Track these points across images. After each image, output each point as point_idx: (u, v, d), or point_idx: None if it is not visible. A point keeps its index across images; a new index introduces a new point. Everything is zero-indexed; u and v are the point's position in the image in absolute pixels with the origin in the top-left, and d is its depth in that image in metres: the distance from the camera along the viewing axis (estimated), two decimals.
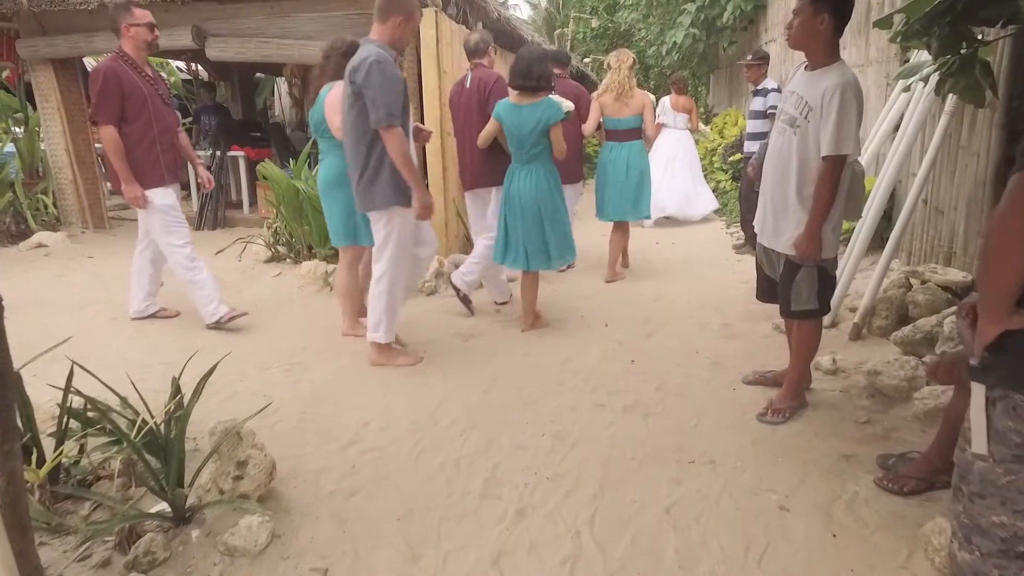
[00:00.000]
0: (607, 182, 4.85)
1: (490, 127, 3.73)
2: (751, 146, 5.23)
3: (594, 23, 15.64)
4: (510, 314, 4.12)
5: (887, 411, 2.71)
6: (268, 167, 4.75)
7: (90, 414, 2.22)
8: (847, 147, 2.26)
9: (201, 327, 3.81)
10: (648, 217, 5.15)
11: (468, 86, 4.02)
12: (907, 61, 3.88)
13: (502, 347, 3.57)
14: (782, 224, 2.50)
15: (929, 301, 3.21)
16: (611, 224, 5.02)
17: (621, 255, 4.99)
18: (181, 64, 9.33)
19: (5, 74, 6.89)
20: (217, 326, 3.76)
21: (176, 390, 2.35)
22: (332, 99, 3.34)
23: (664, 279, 4.94)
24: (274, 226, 5.19)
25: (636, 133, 4.81)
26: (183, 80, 9.25)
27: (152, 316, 3.99)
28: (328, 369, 3.29)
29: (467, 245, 5.32)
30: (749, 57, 5.18)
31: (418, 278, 4.18)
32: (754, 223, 2.73)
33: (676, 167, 7.11)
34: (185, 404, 2.35)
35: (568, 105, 3.62)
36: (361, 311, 3.66)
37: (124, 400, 2.27)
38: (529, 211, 3.60)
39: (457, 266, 4.77)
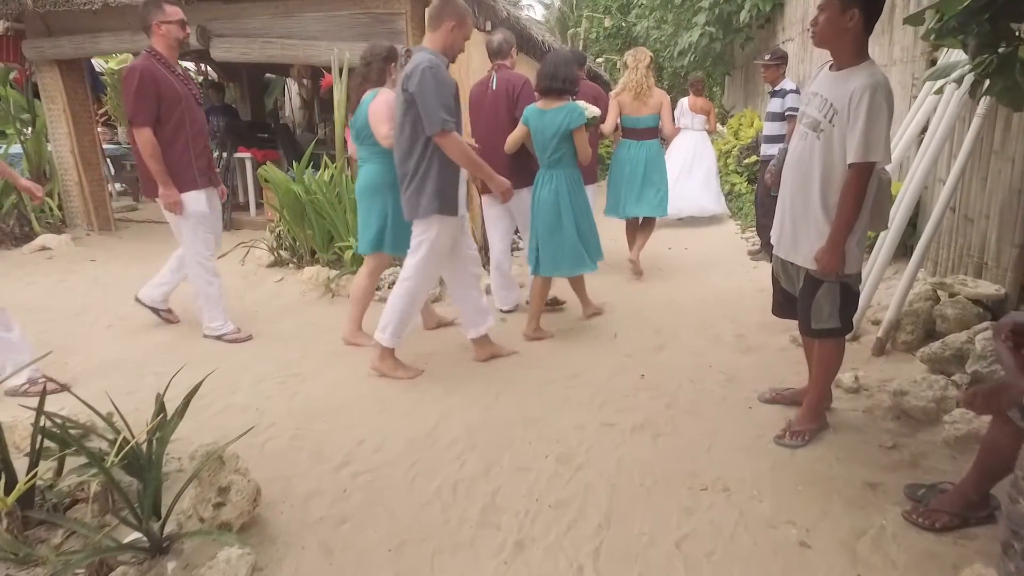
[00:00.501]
0: (624, 180, 4.89)
1: (518, 132, 3.68)
2: (768, 149, 5.06)
3: (607, 23, 15.44)
4: (516, 324, 3.97)
5: (914, 435, 2.53)
6: (269, 170, 4.65)
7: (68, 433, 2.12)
8: (876, 154, 2.09)
9: (199, 336, 3.71)
10: (665, 214, 5.18)
11: (494, 88, 3.88)
12: (935, 61, 3.69)
13: (507, 360, 3.42)
14: (802, 236, 2.32)
15: (959, 315, 3.02)
16: (622, 225, 5.09)
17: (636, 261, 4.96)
18: (190, 65, 9.28)
19: (13, 75, 6.86)
20: (219, 339, 3.67)
21: (160, 407, 2.24)
22: (377, 106, 3.26)
23: (676, 287, 4.78)
24: (277, 230, 5.09)
25: (654, 132, 4.90)
26: None
27: (158, 314, 3.87)
28: (325, 381, 3.17)
29: None
30: (767, 57, 5.00)
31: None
32: (771, 233, 2.56)
33: (693, 168, 7.08)
34: (169, 421, 2.25)
35: (594, 111, 3.59)
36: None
37: (105, 418, 2.16)
38: (547, 216, 3.56)
39: None
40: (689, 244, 6.19)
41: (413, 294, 3.07)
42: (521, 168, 3.76)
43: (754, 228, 6.31)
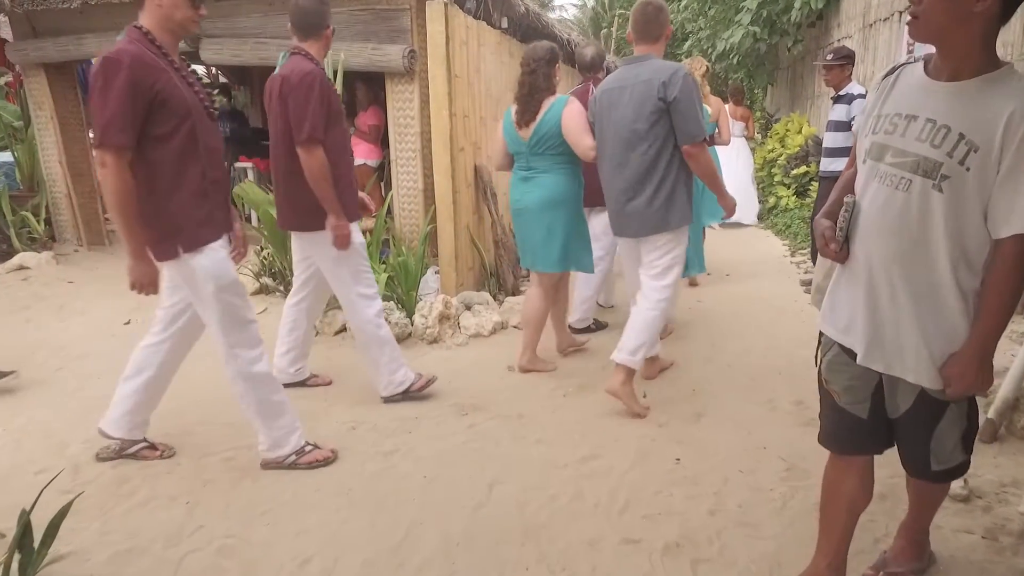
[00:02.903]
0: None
1: None
2: (830, 164, 4.33)
3: None
4: (525, 379, 3.34)
5: None
6: (246, 188, 4.09)
7: None
8: None
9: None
10: (723, 220, 5.31)
11: None
12: None
13: (508, 429, 2.79)
14: (912, 339, 1.45)
15: None
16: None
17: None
18: (200, 69, 8.87)
19: (6, 79, 6.50)
20: (405, 395, 3.03)
21: (23, 529, 1.67)
22: (572, 117, 3.04)
23: (718, 329, 4.07)
24: (263, 253, 4.54)
25: (711, 139, 4.77)
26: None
27: (303, 384, 3.27)
28: None
29: (482, 276, 4.59)
30: (829, 57, 4.27)
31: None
32: (825, 325, 1.64)
33: (736, 170, 7.02)
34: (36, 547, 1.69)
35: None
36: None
37: None
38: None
39: (469, 307, 4.10)
40: (731, 269, 5.47)
41: (666, 313, 3.01)
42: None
43: (806, 252, 5.57)
